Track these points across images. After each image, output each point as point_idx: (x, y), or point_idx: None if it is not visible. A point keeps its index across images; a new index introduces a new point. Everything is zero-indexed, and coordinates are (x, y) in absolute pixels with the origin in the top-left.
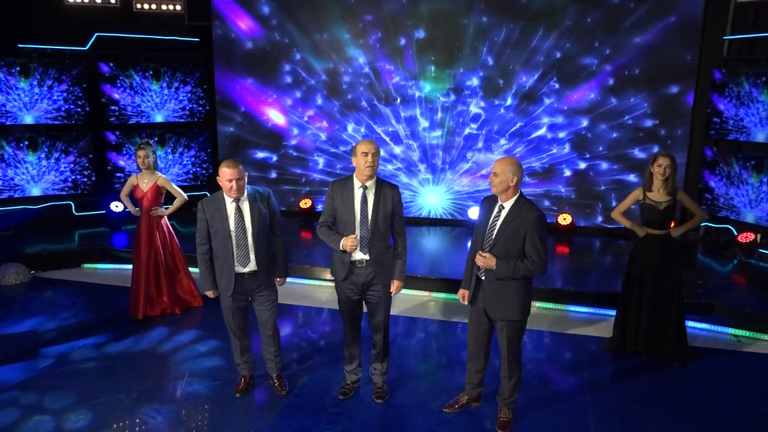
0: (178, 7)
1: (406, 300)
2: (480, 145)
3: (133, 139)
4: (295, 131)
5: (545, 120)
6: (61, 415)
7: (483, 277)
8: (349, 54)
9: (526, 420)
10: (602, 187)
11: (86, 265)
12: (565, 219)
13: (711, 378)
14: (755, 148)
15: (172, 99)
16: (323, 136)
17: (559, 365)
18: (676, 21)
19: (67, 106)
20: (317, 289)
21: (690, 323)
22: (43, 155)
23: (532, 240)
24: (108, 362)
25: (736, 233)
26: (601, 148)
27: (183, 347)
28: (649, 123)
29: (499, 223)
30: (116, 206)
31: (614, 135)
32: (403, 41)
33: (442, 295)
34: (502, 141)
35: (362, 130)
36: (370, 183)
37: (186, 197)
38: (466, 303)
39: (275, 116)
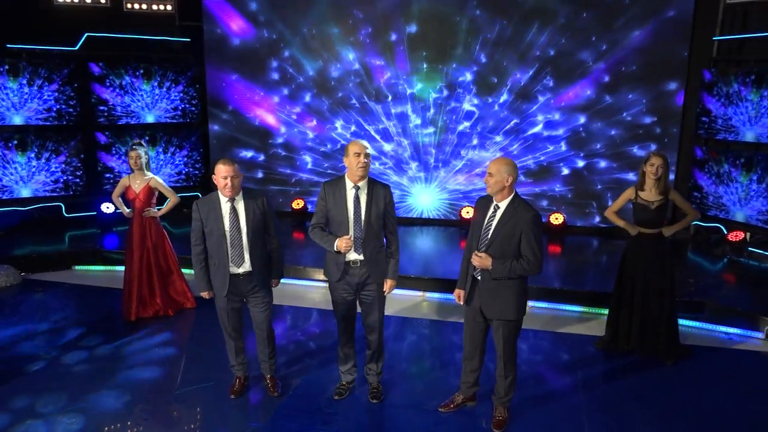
0: (169, 7)
1: (400, 300)
2: (474, 142)
3: (123, 140)
4: (283, 129)
5: (540, 117)
6: (53, 419)
7: (479, 277)
8: (339, 51)
9: (522, 419)
10: (599, 186)
11: (77, 267)
12: (557, 218)
13: (703, 376)
14: (744, 147)
15: (163, 99)
16: (311, 134)
17: (553, 364)
18: (669, 19)
19: (57, 107)
20: (309, 290)
21: (681, 321)
22: (32, 156)
23: (528, 240)
24: (100, 364)
25: (725, 232)
26: (597, 146)
27: (176, 349)
28: (647, 120)
29: (494, 224)
30: (107, 207)
31: (611, 132)
32: (394, 37)
33: (435, 295)
34: (497, 138)
35: (352, 128)
36: (362, 183)
37: (178, 198)
38: (461, 303)
39: (264, 115)
